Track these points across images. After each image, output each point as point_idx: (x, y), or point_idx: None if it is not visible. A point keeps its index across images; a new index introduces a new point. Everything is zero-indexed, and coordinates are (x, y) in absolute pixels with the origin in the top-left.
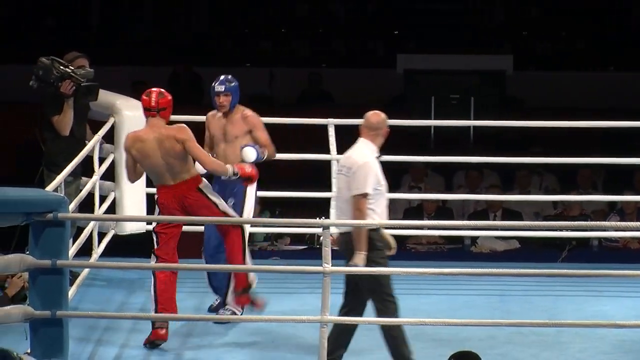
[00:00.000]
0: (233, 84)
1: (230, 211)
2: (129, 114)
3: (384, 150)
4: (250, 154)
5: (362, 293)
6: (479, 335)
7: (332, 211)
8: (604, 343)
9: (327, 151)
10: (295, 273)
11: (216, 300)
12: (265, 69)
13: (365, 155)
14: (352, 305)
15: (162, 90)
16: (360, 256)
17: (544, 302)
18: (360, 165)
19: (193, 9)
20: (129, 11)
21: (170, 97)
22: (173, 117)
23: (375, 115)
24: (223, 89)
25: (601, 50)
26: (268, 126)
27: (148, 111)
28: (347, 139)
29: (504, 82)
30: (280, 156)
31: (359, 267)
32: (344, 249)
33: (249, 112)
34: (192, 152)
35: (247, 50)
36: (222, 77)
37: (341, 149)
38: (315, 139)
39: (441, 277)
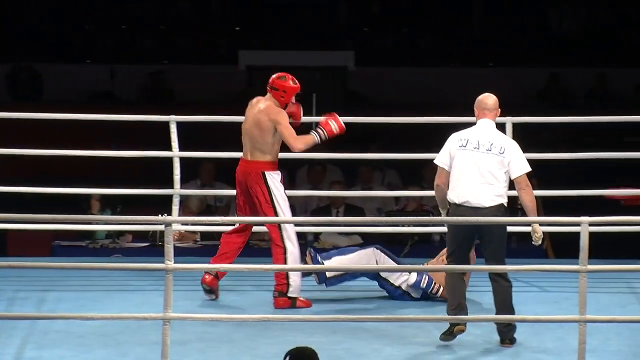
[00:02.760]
0: None
1: (285, 210)
2: None
3: (225, 147)
4: None
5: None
6: (323, 331)
7: (478, 187)
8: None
9: (169, 148)
10: (138, 270)
11: None
12: (107, 66)
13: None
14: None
15: (288, 75)
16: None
17: (387, 297)
18: (514, 145)
19: (32, 5)
20: None
21: (289, 85)
22: (13, 115)
23: (491, 97)
24: None
25: (442, 46)
26: (110, 123)
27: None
28: (189, 135)
29: (346, 78)
30: (122, 153)
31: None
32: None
33: None
34: (281, 134)
35: (88, 47)
36: None
37: (183, 147)
38: (157, 136)
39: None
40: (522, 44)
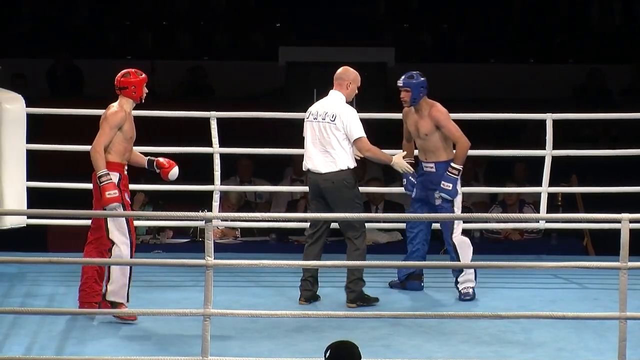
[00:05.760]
0: (413, 80)
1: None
2: (8, 107)
3: (264, 142)
4: (446, 197)
5: None
6: (362, 326)
7: (317, 155)
8: (485, 334)
9: (209, 144)
10: (178, 266)
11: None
12: (147, 61)
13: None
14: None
15: (131, 70)
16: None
17: (426, 294)
18: (346, 112)
19: (72, 1)
20: (8, 3)
21: (135, 78)
22: (53, 111)
23: (342, 69)
24: (402, 84)
25: (482, 42)
26: (149, 119)
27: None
28: (229, 131)
29: (386, 74)
30: (162, 149)
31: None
32: (328, 186)
33: (435, 107)
34: (99, 130)
35: (128, 43)
36: (408, 73)
37: (223, 142)
38: (197, 132)
39: (324, 270)
40: (562, 40)
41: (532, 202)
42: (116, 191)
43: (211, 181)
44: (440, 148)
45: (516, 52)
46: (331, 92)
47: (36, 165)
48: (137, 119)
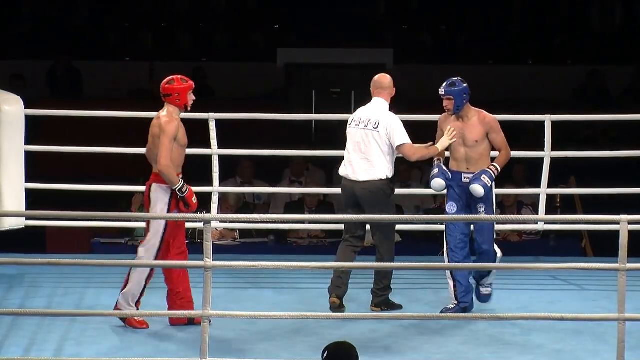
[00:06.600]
0: (455, 87)
1: (154, 226)
2: (7, 109)
3: (263, 144)
4: (479, 191)
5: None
6: (361, 329)
7: (356, 162)
8: (484, 335)
9: (208, 146)
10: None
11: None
12: (146, 63)
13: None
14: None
15: (176, 77)
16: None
17: (425, 295)
18: (388, 120)
19: (72, 2)
20: (8, 3)
21: (179, 86)
22: (52, 112)
23: (386, 77)
24: (443, 92)
25: (481, 42)
26: (148, 120)
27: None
28: (229, 132)
29: None
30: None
31: None
32: (366, 194)
33: (485, 113)
34: (160, 145)
35: (127, 43)
36: (449, 80)
37: (222, 144)
38: (197, 133)
39: (323, 271)
40: (562, 41)
41: (531, 204)
42: (195, 198)
43: (210, 182)
44: (485, 156)
45: (516, 53)
46: (374, 99)
47: (35, 167)
48: (137, 120)
